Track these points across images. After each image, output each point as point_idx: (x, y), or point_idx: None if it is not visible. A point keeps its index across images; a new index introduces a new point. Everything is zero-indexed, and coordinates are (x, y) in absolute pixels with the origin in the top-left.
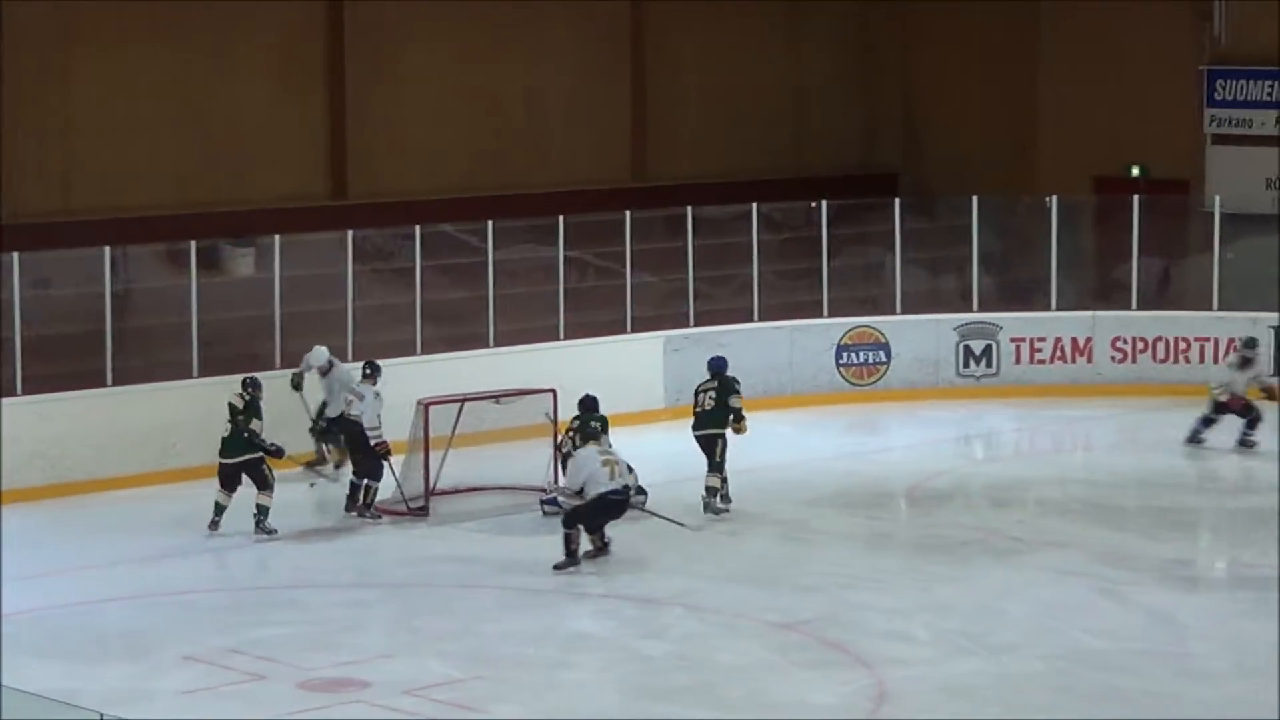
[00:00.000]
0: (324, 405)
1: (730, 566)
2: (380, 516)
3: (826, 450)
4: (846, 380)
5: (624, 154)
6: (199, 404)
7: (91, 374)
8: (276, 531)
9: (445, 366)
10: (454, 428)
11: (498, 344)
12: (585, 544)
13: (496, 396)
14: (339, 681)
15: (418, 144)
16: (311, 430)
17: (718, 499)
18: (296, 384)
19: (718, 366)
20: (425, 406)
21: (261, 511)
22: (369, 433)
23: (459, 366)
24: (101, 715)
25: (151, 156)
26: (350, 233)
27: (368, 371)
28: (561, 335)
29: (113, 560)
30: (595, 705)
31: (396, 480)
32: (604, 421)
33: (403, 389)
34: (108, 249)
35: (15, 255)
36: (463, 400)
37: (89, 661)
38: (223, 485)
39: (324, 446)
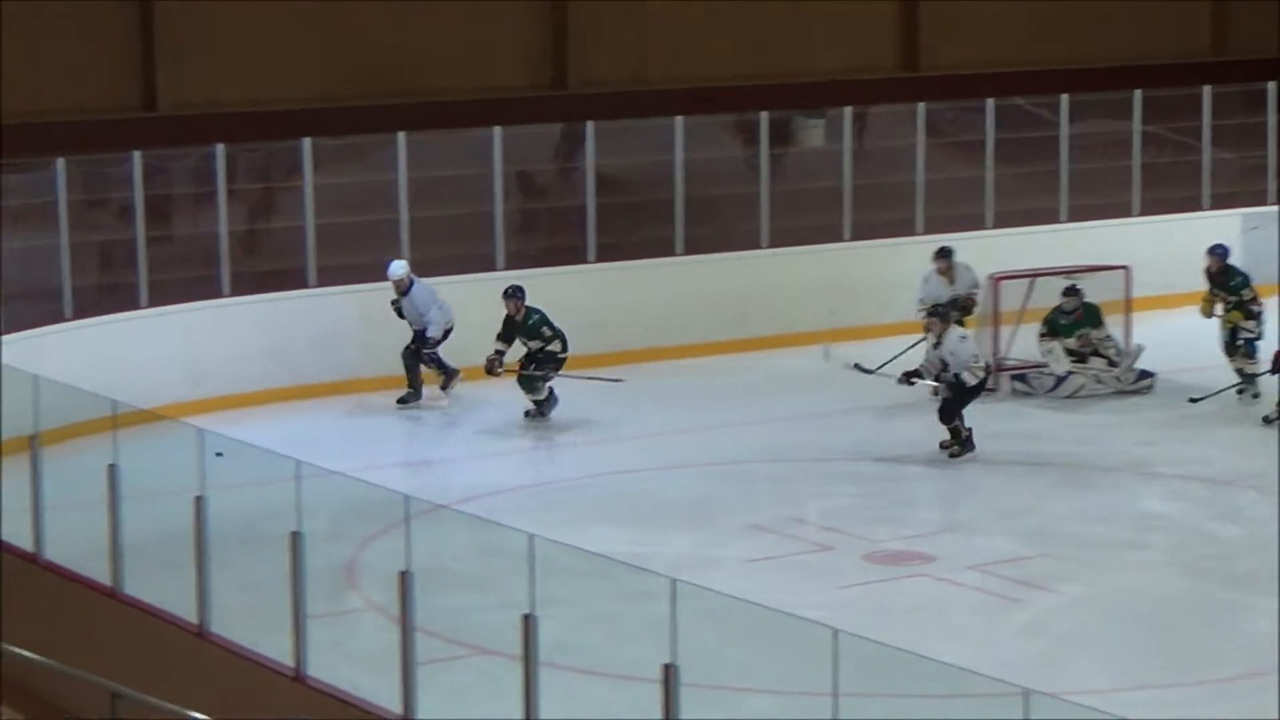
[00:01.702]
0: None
1: None
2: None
3: None
4: None
5: (1203, 26)
6: (768, 274)
7: (660, 243)
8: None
9: (1015, 241)
10: (1024, 303)
11: (1069, 219)
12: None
13: (1068, 272)
14: (903, 554)
15: (988, 16)
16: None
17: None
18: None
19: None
20: (996, 281)
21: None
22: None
23: (1030, 241)
24: (672, 581)
25: (722, 27)
26: (921, 105)
27: (938, 254)
28: (1135, 211)
29: (676, 428)
30: (1162, 587)
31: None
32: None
33: (973, 264)
34: (679, 118)
35: (589, 124)
36: (1034, 276)
37: (655, 527)
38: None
39: (438, 371)
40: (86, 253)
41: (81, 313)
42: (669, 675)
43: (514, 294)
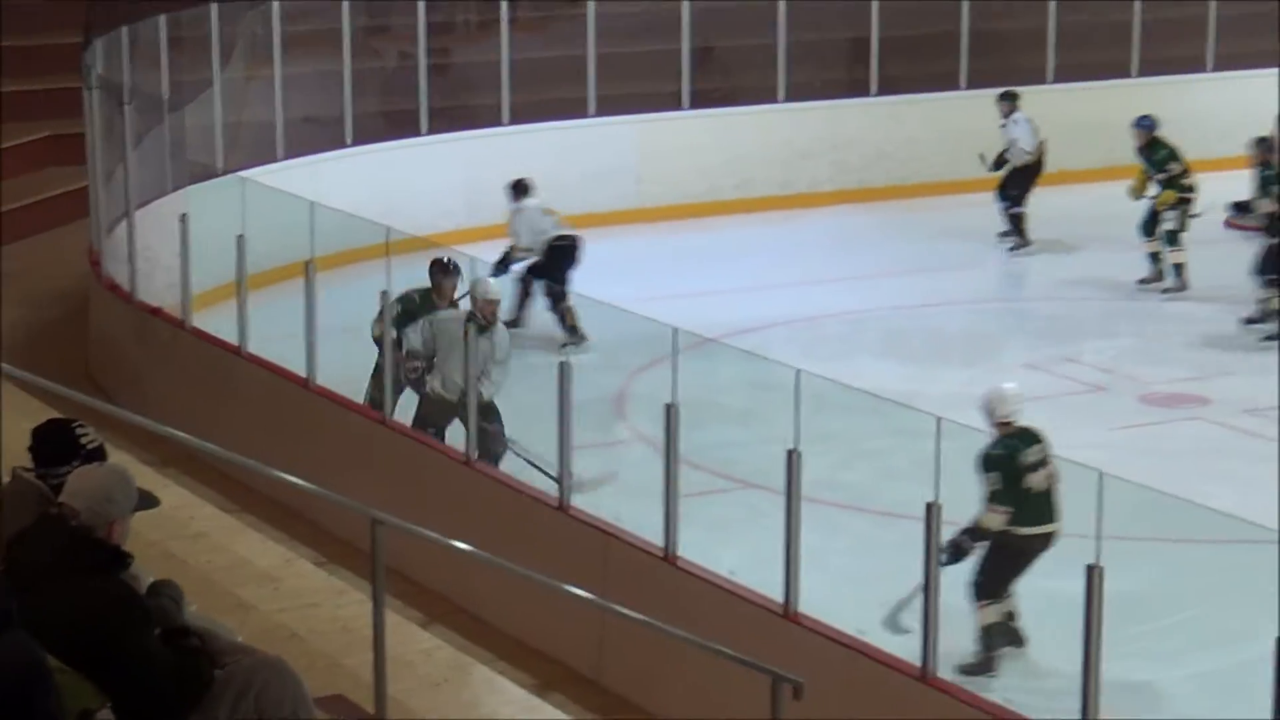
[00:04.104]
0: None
1: None
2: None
3: None
4: None
5: None
6: (1053, 110)
7: (944, 76)
8: None
9: None
10: None
11: None
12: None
13: None
14: (1178, 396)
15: None
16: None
17: None
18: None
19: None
20: None
21: None
22: None
23: None
24: (938, 419)
25: None
26: None
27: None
28: None
29: (955, 264)
30: None
31: None
32: None
33: None
34: None
35: None
36: None
37: (927, 364)
38: None
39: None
40: (368, 79)
41: (362, 139)
42: (931, 513)
43: (455, 270)
